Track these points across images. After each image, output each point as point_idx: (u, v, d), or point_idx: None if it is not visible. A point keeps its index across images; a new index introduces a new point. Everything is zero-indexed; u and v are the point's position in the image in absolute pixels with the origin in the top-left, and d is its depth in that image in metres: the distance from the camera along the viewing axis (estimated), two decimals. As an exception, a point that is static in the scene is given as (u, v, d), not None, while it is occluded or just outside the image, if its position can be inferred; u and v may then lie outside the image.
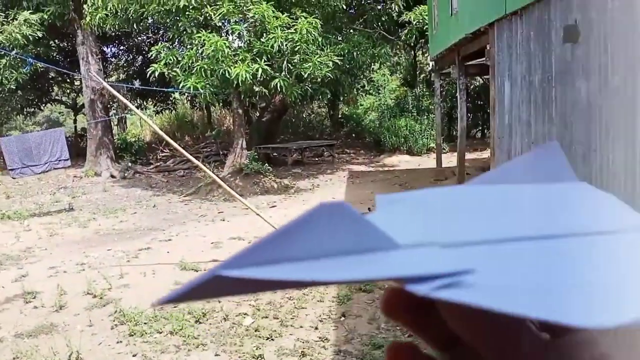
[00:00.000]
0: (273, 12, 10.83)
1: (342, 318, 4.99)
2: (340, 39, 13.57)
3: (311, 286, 0.22)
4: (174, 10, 10.91)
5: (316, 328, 4.78)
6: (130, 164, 16.22)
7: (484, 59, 7.68)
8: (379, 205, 0.29)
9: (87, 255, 7.52)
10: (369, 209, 8.62)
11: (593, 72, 4.16)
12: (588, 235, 0.26)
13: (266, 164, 13.18)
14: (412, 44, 17.76)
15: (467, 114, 11.32)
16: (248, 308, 5.29)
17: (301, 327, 4.85)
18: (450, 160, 13.08)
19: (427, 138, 16.77)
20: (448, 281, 0.20)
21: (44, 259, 7.53)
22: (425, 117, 17.24)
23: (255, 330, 4.74)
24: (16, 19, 13.91)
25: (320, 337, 4.60)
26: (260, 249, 0.22)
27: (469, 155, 12.17)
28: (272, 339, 4.61)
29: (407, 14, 14.06)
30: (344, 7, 12.90)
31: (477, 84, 17.63)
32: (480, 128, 19.47)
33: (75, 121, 23.12)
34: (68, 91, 22.00)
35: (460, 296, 0.20)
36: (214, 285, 0.21)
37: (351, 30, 14.17)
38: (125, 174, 15.61)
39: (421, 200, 0.30)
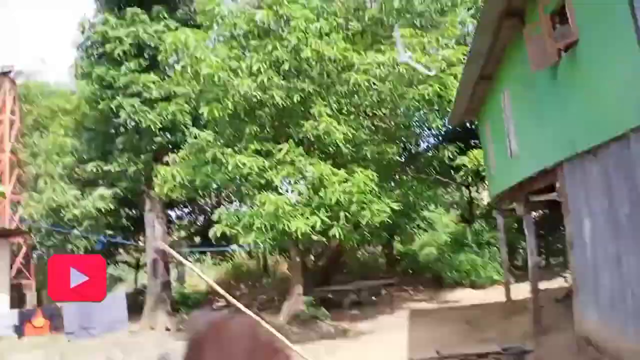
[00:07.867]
0: (331, 169, 11.28)
1: None
2: (393, 184, 13.84)
3: None
4: (238, 177, 11.51)
5: None
6: (186, 316, 16.24)
7: (552, 194, 7.58)
8: None
9: None
10: (437, 352, 8.03)
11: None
12: None
13: (322, 308, 12.95)
14: (467, 184, 17.81)
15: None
16: None
17: None
18: (516, 292, 12.24)
19: (490, 271, 16.19)
20: None
21: None
22: (486, 250, 16.80)
23: None
24: (91, 194, 14.95)
25: None
26: None
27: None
28: None
29: (460, 158, 14.17)
30: (398, 158, 13.32)
31: (537, 213, 17.29)
32: (545, 257, 18.73)
33: (136, 279, 23.71)
34: (132, 251, 22.85)
35: None
36: None
37: (404, 177, 14.48)
38: (181, 326, 15.54)
39: None
